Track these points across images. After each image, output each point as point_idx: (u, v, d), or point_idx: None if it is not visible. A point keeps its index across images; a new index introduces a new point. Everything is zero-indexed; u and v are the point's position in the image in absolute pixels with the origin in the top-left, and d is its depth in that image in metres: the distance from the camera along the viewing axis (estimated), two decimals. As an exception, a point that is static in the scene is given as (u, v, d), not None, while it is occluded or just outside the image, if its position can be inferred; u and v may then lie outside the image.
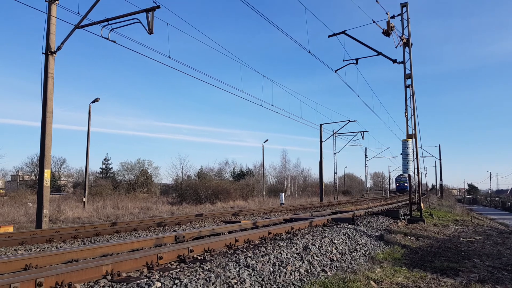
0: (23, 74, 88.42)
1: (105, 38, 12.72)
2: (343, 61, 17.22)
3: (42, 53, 13.22)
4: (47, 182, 12.83)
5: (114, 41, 12.76)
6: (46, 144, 12.94)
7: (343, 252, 6.91)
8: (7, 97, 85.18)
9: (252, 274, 4.74)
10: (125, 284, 3.97)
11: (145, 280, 4.09)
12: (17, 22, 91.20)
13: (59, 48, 13.33)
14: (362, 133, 38.57)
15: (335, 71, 18.13)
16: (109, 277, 4.41)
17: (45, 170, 12.83)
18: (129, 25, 13.07)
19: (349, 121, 37.83)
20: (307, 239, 7.14)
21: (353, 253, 7.02)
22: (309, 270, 5.52)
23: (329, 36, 16.33)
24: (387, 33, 14.43)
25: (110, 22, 12.77)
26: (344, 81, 20.00)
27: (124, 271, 4.64)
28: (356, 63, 17.10)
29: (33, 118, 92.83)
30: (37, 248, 7.81)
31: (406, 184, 69.39)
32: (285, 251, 5.98)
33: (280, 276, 4.95)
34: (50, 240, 8.64)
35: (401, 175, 73.37)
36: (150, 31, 12.62)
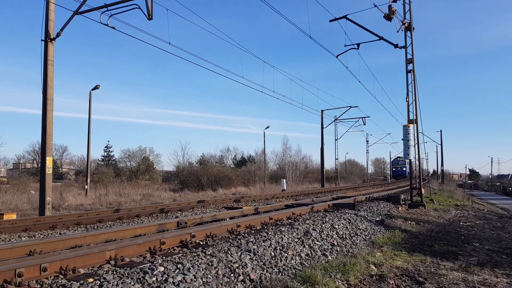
0: (23, 61, 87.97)
1: (104, 24, 12.59)
2: (345, 46, 17.08)
3: (42, 40, 13.10)
4: (49, 170, 12.89)
5: (113, 27, 12.64)
6: (48, 131, 12.95)
7: (344, 236, 6.97)
8: (8, 84, 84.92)
9: (254, 258, 4.79)
10: (128, 268, 4.03)
11: (148, 264, 4.15)
12: (16, 8, 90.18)
13: (58, 34, 13.21)
14: (363, 119, 38.49)
15: (337, 56, 18.00)
16: (112, 262, 4.47)
17: (47, 158, 12.87)
18: (129, 11, 12.93)
19: (351, 107, 37.71)
20: (308, 224, 7.20)
21: (353, 238, 7.09)
22: (310, 255, 5.58)
23: (330, 21, 16.15)
24: (388, 17, 14.23)
25: (109, 8, 12.62)
26: (345, 66, 19.84)
27: (127, 256, 4.70)
28: (358, 48, 16.94)
29: (34, 105, 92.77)
30: (41, 234, 7.90)
31: (404, 169, 61.87)
32: (286, 236, 6.04)
33: (281, 260, 5.01)
34: (53, 227, 8.72)
35: (398, 157, 64.62)
36: (150, 17, 12.47)
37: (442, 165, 61.55)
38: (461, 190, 37.38)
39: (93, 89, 25.20)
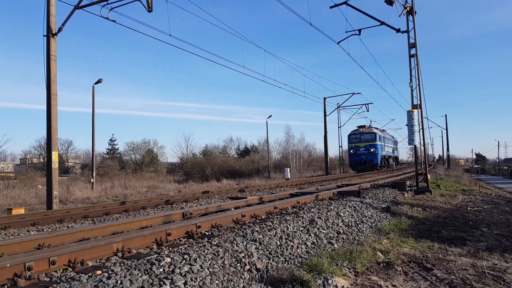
0: (27, 57, 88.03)
1: (105, 18, 12.53)
2: (346, 32, 16.86)
3: (44, 36, 13.05)
4: (55, 164, 12.97)
5: (114, 21, 12.57)
6: (52, 126, 12.99)
7: (350, 224, 6.96)
8: (12, 80, 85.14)
9: (260, 248, 4.80)
10: (135, 260, 4.05)
11: (155, 256, 4.16)
12: (19, 5, 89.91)
13: (60, 29, 13.15)
14: (366, 105, 38.11)
15: (338, 43, 17.77)
16: (120, 254, 4.50)
17: (53, 152, 12.94)
18: (128, 4, 12.85)
19: (353, 93, 37.22)
20: (313, 212, 7.20)
21: (359, 225, 7.08)
22: (316, 243, 5.58)
23: (331, 7, 15.92)
24: (390, 1, 13.99)
25: (109, 1, 12.55)
26: (347, 53, 19.64)
27: (134, 248, 4.73)
28: (359, 34, 16.75)
29: (39, 101, 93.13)
30: (49, 228, 7.97)
31: (373, 150, 35.15)
32: (291, 225, 6.04)
33: (287, 249, 5.02)
34: (61, 221, 8.80)
35: (355, 132, 36.95)
36: (150, 9, 12.39)
37: (448, 150, 61.11)
38: (467, 175, 37.21)
39: (96, 83, 25.20)
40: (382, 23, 15.34)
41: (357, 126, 38.60)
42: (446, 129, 59.69)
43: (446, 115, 59.81)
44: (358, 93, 39.23)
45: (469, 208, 10.36)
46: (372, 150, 35.69)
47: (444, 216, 8.78)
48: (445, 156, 65.64)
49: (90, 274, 3.56)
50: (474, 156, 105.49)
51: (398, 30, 14.80)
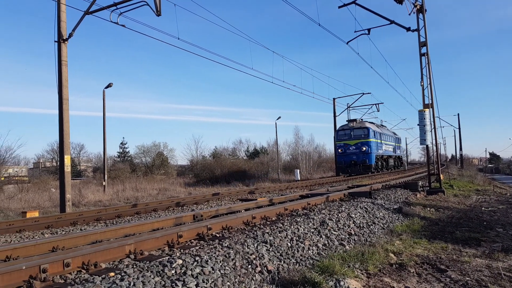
0: (39, 62, 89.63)
1: (114, 22, 12.66)
2: (355, 32, 16.76)
3: (55, 41, 13.26)
4: (67, 168, 13.15)
5: (123, 25, 12.70)
6: (65, 130, 13.18)
7: (361, 225, 6.91)
8: (24, 86, 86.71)
9: (270, 249, 4.80)
10: (148, 262, 4.08)
11: (167, 258, 4.19)
12: (30, 11, 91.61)
13: (70, 35, 13.35)
14: (377, 105, 37.74)
15: (347, 43, 17.67)
16: (132, 256, 4.54)
17: (65, 156, 13.13)
18: (137, 8, 12.97)
19: (363, 93, 36.86)
20: (324, 214, 7.16)
21: (371, 227, 7.02)
22: (327, 245, 5.55)
23: (339, 7, 15.83)
24: (399, 0, 13.88)
25: (118, 6, 12.67)
26: (356, 52, 19.52)
27: (146, 250, 4.77)
28: (368, 34, 16.63)
29: (51, 106, 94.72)
30: (63, 231, 8.08)
31: (365, 149, 29.76)
32: (302, 226, 6.02)
33: (298, 251, 5.00)
34: (74, 223, 8.92)
35: (344, 127, 31.93)
36: (158, 13, 12.48)
37: (460, 149, 60.18)
38: (481, 175, 36.57)
39: (106, 87, 25.50)
40: (392, 22, 15.21)
41: (346, 121, 32.42)
42: (459, 128, 58.86)
43: (458, 114, 59.04)
44: (368, 93, 38.74)
45: (483, 208, 10.19)
46: (364, 148, 29.80)
47: (457, 217, 8.65)
48: (458, 155, 64.71)
49: (103, 276, 3.60)
50: (488, 156, 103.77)
51: (408, 29, 14.66)
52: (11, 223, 8.79)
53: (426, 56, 14.05)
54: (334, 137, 32.92)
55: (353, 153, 30.28)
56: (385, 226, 7.32)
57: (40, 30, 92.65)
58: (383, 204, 9.20)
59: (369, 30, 16.50)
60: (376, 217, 7.76)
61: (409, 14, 14.23)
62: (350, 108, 39.46)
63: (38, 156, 61.05)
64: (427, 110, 13.62)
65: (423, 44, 14.06)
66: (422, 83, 14.06)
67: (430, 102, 13.88)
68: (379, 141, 32.99)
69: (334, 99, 38.19)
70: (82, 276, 3.89)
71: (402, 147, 44.06)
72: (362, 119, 33.96)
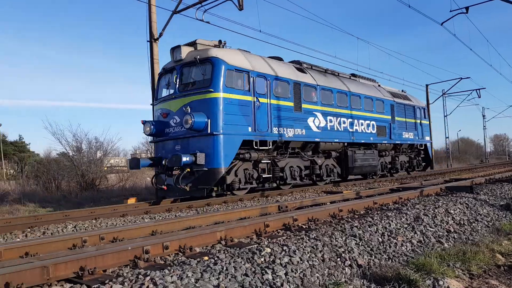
0: (134, 61, 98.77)
1: (199, 20, 13.30)
2: (450, 11, 15.25)
3: (147, 41, 14.39)
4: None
5: (208, 22, 13.29)
6: (158, 125, 14.29)
7: (461, 223, 6.29)
8: (122, 84, 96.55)
9: (360, 243, 4.62)
10: (238, 248, 4.24)
11: (255, 245, 4.30)
12: (125, 14, 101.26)
13: (160, 34, 14.36)
14: (477, 91, 33.94)
15: (441, 24, 16.16)
16: (223, 242, 4.76)
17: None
18: (220, 4, 13.42)
19: (461, 78, 33.37)
20: (418, 209, 6.68)
21: (473, 224, 6.35)
22: (423, 241, 5.17)
23: (434, -16, 14.47)
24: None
25: (203, 3, 13.27)
26: (453, 34, 17.73)
27: (235, 237, 4.96)
28: (467, 12, 14.98)
29: (143, 101, 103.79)
30: (160, 216, 8.81)
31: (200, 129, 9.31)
32: (393, 221, 5.69)
33: (390, 247, 4.74)
34: (169, 210, 9.66)
35: (166, 66, 10.76)
36: (241, 7, 12.76)
37: None
38: None
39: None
40: (496, -5, 13.46)
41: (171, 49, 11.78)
42: None
43: None
44: (467, 78, 34.83)
45: None
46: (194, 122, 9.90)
47: None
48: None
49: (198, 259, 3.83)
50: None
51: (516, 2, 12.80)
52: (115, 208, 9.85)
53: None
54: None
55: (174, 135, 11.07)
56: (490, 224, 6.57)
57: (131, 30, 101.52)
58: (487, 200, 8.25)
59: (467, 8, 14.86)
60: (479, 214, 7.00)
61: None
62: (446, 95, 36.10)
63: (135, 148, 67.25)
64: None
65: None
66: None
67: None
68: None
69: (427, 85, 35.22)
70: (180, 258, 4.19)
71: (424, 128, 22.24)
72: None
